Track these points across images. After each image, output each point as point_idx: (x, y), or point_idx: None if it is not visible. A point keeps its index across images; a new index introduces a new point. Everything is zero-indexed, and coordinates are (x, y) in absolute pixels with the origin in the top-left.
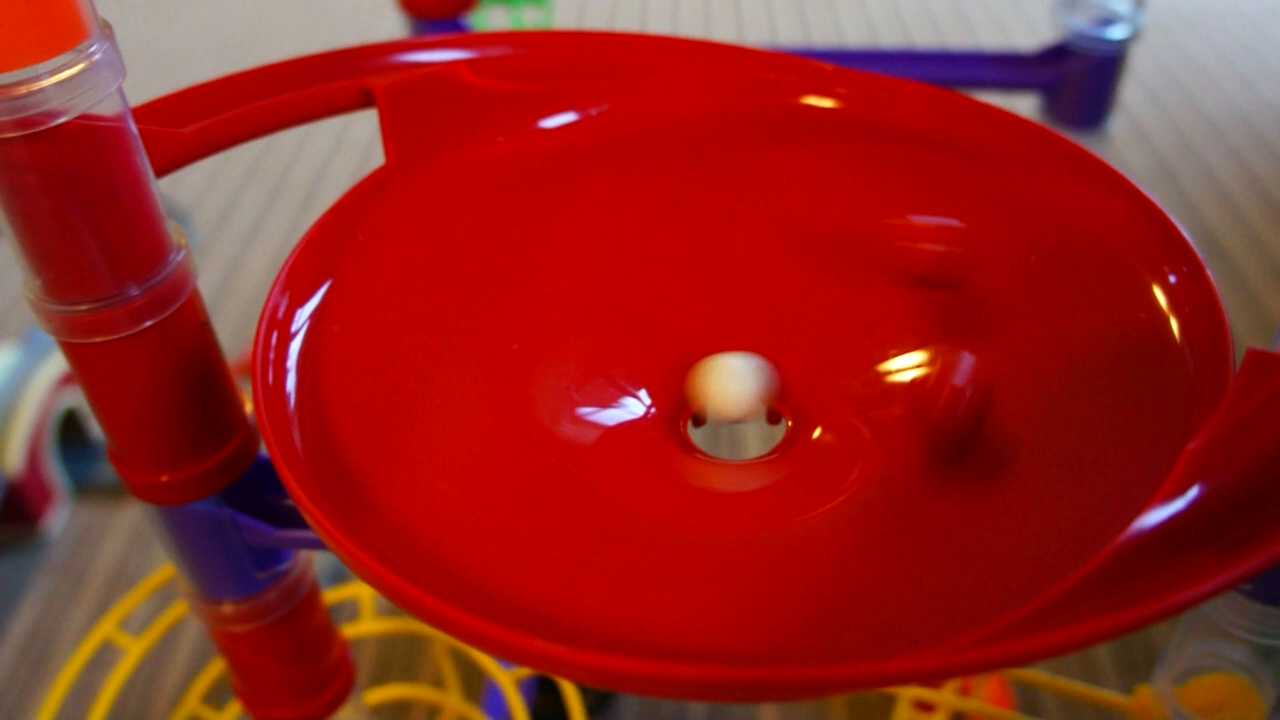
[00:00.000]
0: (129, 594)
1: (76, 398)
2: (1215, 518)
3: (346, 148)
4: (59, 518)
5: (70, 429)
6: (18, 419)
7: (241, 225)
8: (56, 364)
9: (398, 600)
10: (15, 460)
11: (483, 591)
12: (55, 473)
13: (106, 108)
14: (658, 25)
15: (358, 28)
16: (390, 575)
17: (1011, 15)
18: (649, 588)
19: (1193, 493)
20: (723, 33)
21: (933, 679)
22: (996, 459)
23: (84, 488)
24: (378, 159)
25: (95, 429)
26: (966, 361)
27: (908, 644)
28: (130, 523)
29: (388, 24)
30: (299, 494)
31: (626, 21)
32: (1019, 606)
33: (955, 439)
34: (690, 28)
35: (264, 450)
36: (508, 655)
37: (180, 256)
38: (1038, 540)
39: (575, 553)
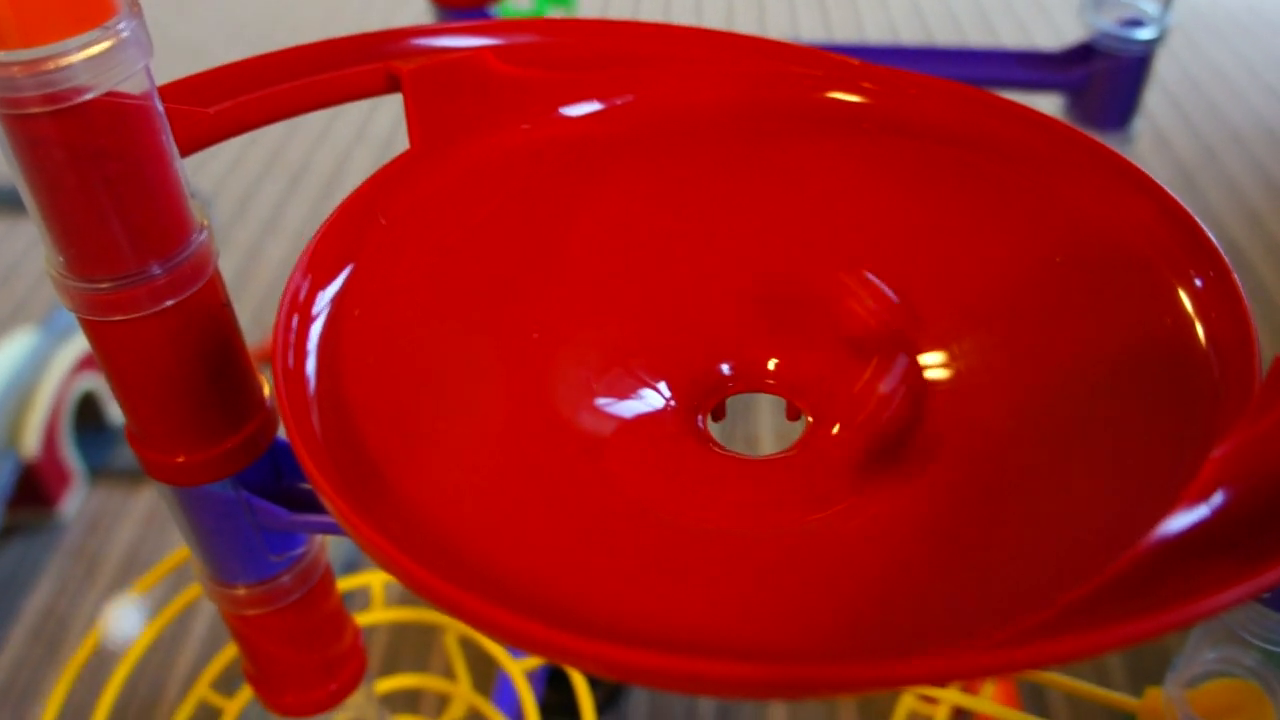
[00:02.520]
0: (140, 579)
1: (94, 382)
2: (1240, 525)
3: (368, 138)
4: (74, 501)
5: (87, 412)
6: (35, 402)
7: (261, 213)
8: (74, 348)
9: (414, 586)
10: (32, 443)
11: (496, 579)
12: (71, 456)
13: (133, 85)
14: (680, 20)
15: (374, 18)
16: (406, 560)
17: (1034, 16)
18: (665, 581)
19: (1217, 499)
20: (745, 29)
21: (954, 679)
22: (1018, 460)
23: (100, 471)
24: (399, 149)
25: (112, 413)
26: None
27: (928, 644)
28: (145, 507)
29: (404, 15)
30: (317, 478)
31: (650, 16)
32: (1040, 609)
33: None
34: (713, 23)
35: (281, 434)
36: (523, 644)
37: (203, 236)
38: (1059, 543)
39: (591, 544)
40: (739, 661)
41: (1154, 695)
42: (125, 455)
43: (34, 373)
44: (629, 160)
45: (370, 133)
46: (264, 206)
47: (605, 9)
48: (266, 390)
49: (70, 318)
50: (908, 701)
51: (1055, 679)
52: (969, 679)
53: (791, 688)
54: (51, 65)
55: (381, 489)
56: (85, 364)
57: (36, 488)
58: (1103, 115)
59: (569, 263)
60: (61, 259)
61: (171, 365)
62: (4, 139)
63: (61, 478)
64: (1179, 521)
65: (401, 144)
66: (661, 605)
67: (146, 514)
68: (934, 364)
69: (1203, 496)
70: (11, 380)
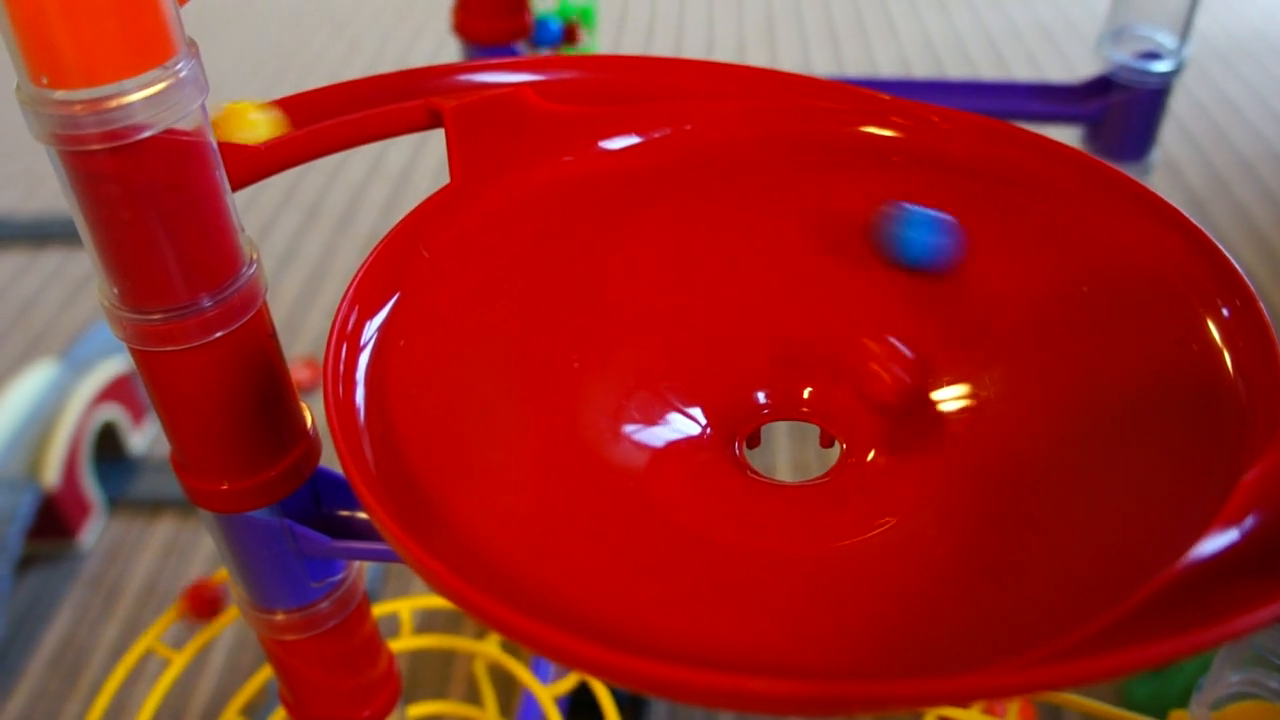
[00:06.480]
0: (171, 607)
1: (113, 413)
2: (1271, 548)
3: (383, 172)
4: (93, 531)
5: (106, 444)
6: (56, 433)
7: (278, 246)
8: (94, 380)
9: (470, 609)
10: (52, 474)
11: (543, 601)
12: (91, 487)
13: (189, 123)
14: (691, 55)
15: (391, 53)
16: (462, 584)
17: (1045, 48)
18: (704, 601)
19: (1248, 523)
20: (757, 63)
21: (991, 697)
22: (1050, 485)
23: (119, 502)
24: (414, 185)
25: (131, 444)
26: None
27: (962, 664)
28: (164, 538)
29: (420, 53)
30: (373, 506)
31: (662, 50)
32: (1074, 630)
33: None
34: (725, 58)
35: (323, 462)
36: (571, 662)
37: (252, 270)
38: (1093, 566)
39: (634, 566)
40: (776, 679)
41: (1178, 718)
42: (144, 486)
43: (54, 404)
44: (666, 192)
45: (385, 167)
46: (281, 239)
47: (617, 45)
48: (308, 419)
49: (90, 350)
50: None
51: (1079, 702)
52: (1005, 697)
53: (825, 705)
54: (112, 104)
55: (430, 514)
56: (105, 395)
57: (56, 518)
58: (1120, 147)
59: (608, 292)
60: (115, 290)
61: (219, 395)
62: (63, 174)
63: (81, 508)
64: (1211, 544)
65: (416, 178)
66: (701, 624)
67: (165, 544)
68: (967, 392)
69: (1234, 520)
70: (32, 412)
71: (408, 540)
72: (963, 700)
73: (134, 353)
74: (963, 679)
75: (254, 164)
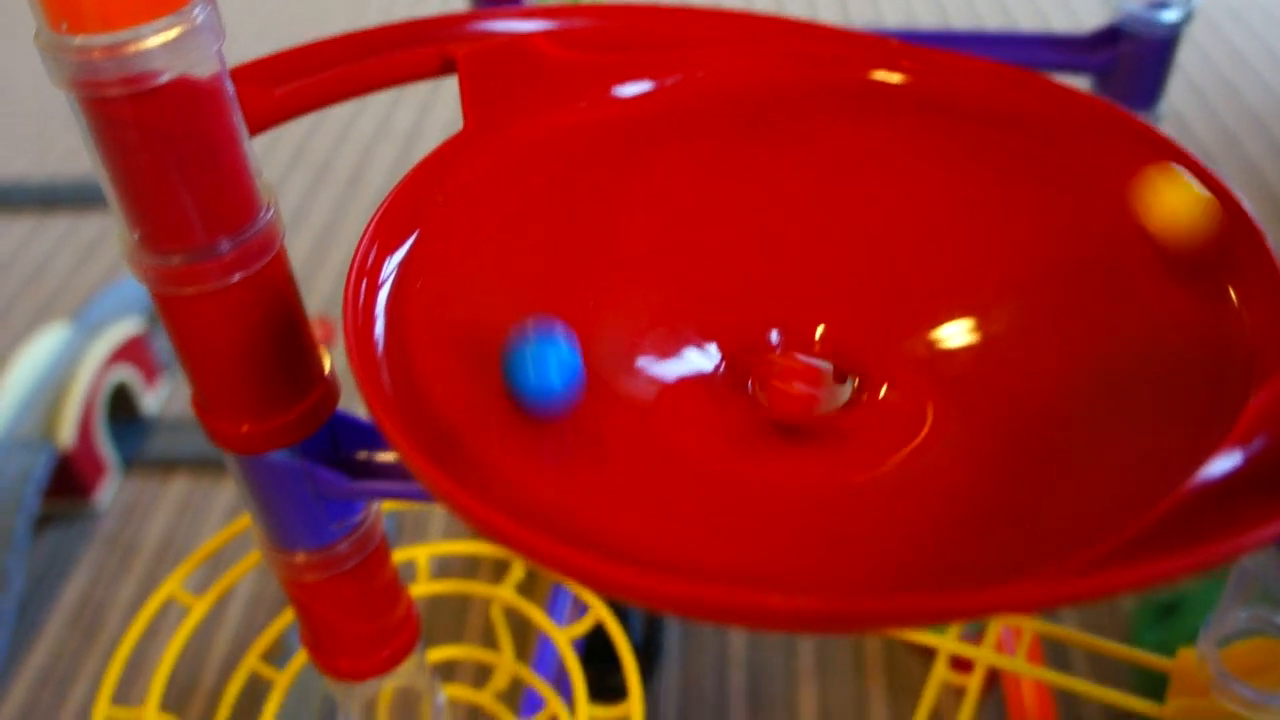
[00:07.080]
0: (192, 554)
1: (126, 374)
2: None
3: (390, 133)
4: (109, 491)
5: (120, 404)
6: (70, 394)
7: (288, 205)
8: (107, 341)
9: (498, 536)
10: (67, 434)
11: (564, 529)
12: (106, 447)
13: (205, 69)
14: (700, 3)
15: (401, 5)
16: (490, 512)
17: (1052, 4)
18: (721, 533)
19: (1256, 444)
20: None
21: (1000, 613)
22: (1065, 414)
23: (133, 462)
24: (422, 146)
25: (144, 404)
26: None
27: (979, 583)
28: (178, 496)
29: (431, 4)
30: (392, 432)
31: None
32: (1088, 550)
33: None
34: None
35: (341, 406)
36: (596, 584)
37: (270, 214)
38: (1102, 491)
39: (650, 499)
40: (791, 594)
41: (1187, 655)
42: (158, 446)
43: (68, 366)
44: (678, 137)
45: (391, 128)
46: (291, 199)
47: None
48: (326, 364)
49: (102, 313)
50: (940, 672)
51: (1087, 640)
52: (1015, 613)
53: (838, 620)
54: (130, 49)
55: (446, 445)
56: (117, 357)
57: (72, 478)
58: (1130, 97)
59: (622, 236)
60: (135, 235)
61: (239, 337)
62: (82, 120)
63: (96, 468)
64: (1222, 464)
65: (423, 138)
66: (717, 551)
67: (179, 503)
68: (974, 326)
69: (1243, 442)
70: (46, 374)
71: (428, 466)
72: (976, 614)
73: (155, 297)
74: (975, 594)
75: (270, 110)
